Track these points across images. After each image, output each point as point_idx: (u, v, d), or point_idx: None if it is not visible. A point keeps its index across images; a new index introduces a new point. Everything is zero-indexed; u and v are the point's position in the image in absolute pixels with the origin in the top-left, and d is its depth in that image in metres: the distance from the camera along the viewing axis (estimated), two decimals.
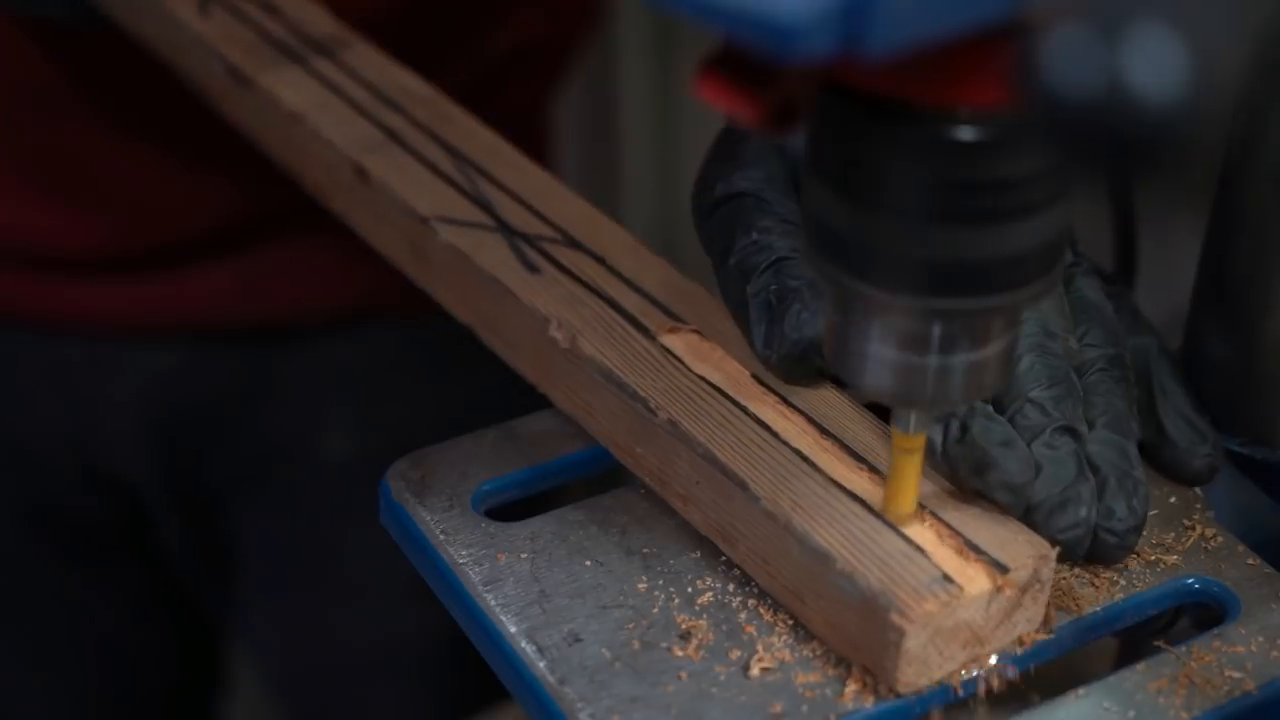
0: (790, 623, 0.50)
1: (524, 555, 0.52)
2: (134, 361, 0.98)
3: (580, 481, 0.57)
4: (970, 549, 0.48)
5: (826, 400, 0.53)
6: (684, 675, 0.48)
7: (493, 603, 0.50)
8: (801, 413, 0.52)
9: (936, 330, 0.43)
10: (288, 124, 0.68)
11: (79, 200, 0.93)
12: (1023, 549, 0.48)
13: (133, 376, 0.98)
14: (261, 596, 1.07)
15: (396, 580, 0.78)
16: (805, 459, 0.50)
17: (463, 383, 0.97)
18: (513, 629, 0.50)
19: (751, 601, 0.50)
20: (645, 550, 0.52)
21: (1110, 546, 0.50)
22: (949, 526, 0.48)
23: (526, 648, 0.49)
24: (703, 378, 0.53)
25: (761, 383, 0.53)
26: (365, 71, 0.70)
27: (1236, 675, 0.48)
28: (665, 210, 1.59)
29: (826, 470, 0.50)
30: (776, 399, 0.53)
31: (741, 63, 0.38)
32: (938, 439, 0.49)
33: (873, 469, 0.50)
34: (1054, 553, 0.48)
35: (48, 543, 1.04)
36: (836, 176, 0.41)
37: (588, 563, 0.52)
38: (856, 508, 0.49)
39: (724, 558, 0.52)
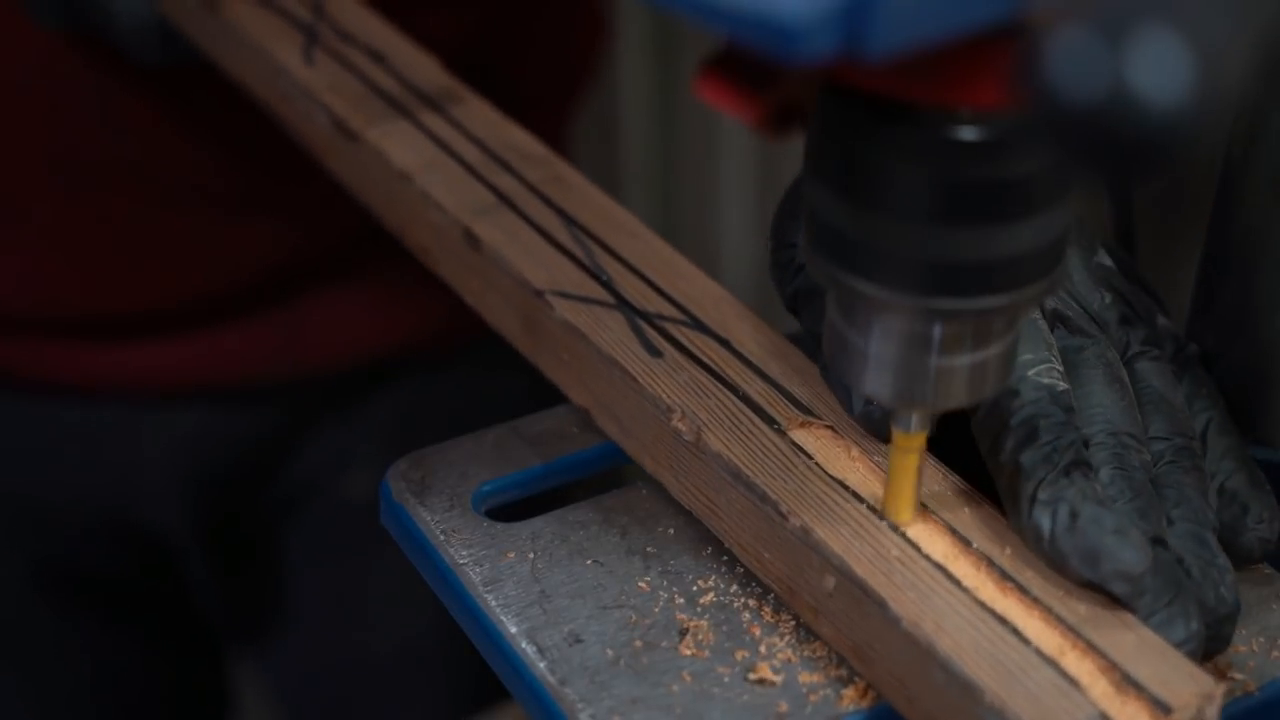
0: (793, 623, 0.50)
1: (525, 555, 0.52)
2: (167, 419, 0.98)
3: (581, 481, 0.57)
4: (1129, 684, 0.44)
5: (974, 514, 0.49)
6: (686, 676, 0.48)
7: (493, 603, 0.50)
8: (944, 523, 0.49)
9: (938, 330, 0.43)
10: (394, 182, 0.65)
11: (113, 265, 0.92)
12: (1186, 685, 0.44)
13: (166, 434, 0.98)
14: (291, 626, 1.08)
15: (409, 593, 0.78)
16: (950, 576, 0.47)
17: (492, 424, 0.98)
18: (513, 629, 0.50)
19: (754, 602, 0.50)
20: (647, 550, 0.52)
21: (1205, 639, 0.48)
22: (1106, 657, 0.44)
23: (527, 648, 0.49)
24: (838, 480, 0.50)
25: None
26: (475, 128, 0.67)
27: (1237, 676, 0.48)
28: (665, 210, 1.59)
29: (973, 590, 0.46)
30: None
31: (742, 63, 0.38)
32: (1045, 527, 0.46)
33: (1022, 589, 0.46)
34: (1220, 690, 0.44)
35: (63, 594, 1.04)
36: (838, 177, 0.41)
37: (589, 563, 0.52)
38: (1007, 634, 0.45)
39: (726, 556, 0.52)
